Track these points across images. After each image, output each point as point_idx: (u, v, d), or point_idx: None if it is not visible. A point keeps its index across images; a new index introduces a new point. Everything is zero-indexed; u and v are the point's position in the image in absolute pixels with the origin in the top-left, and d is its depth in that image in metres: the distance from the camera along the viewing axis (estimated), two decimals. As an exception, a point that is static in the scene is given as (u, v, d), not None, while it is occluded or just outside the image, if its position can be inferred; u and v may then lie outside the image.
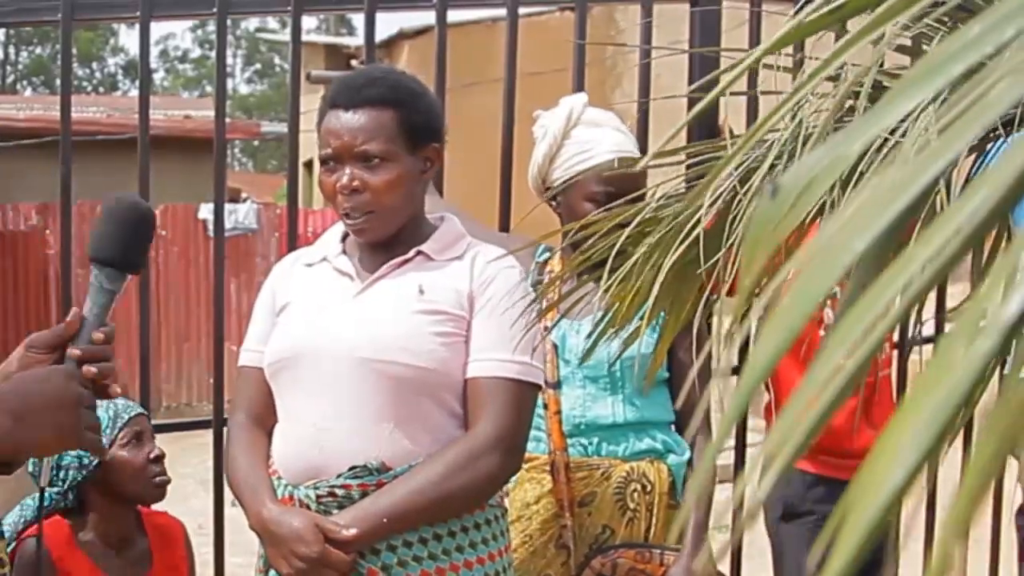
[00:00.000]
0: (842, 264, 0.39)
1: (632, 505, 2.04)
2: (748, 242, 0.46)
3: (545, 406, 2.04)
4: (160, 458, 2.00)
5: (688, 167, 1.33)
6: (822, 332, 2.37)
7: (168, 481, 2.03)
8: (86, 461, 1.94)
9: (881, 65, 0.96)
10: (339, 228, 1.84)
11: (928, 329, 2.82)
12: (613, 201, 2.02)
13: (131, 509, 2.03)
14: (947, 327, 2.88)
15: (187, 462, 5.71)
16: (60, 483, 1.95)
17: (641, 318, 1.34)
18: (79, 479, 1.94)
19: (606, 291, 1.24)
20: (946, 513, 0.34)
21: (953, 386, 0.34)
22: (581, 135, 2.08)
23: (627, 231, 1.22)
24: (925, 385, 0.35)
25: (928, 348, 2.80)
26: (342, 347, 1.68)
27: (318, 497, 1.66)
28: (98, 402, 1.80)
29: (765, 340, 0.40)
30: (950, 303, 2.76)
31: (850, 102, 0.91)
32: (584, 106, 2.13)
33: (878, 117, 0.43)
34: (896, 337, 2.64)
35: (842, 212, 0.40)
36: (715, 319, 1.95)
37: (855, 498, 0.34)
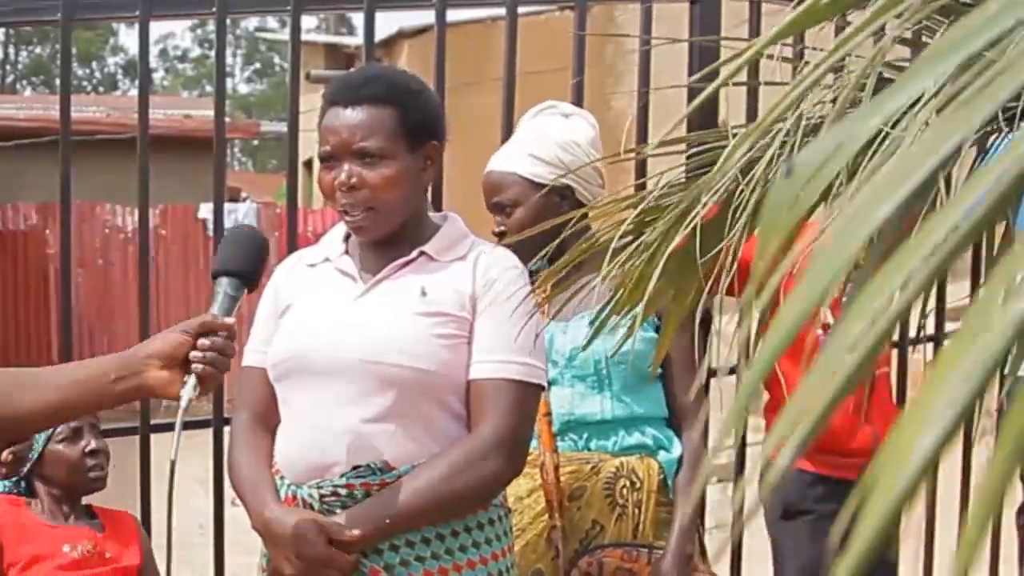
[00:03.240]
0: (846, 256, 0.38)
1: (621, 501, 2.04)
2: (763, 224, 0.45)
3: (534, 408, 2.05)
4: (96, 452, 2.12)
5: (689, 157, 1.33)
6: (820, 332, 2.37)
7: (105, 474, 2.14)
8: (30, 454, 2.09)
9: (883, 56, 0.96)
10: (342, 228, 1.83)
11: (928, 328, 2.82)
12: (498, 212, 2.11)
13: (77, 497, 2.14)
14: (947, 326, 2.88)
15: (187, 462, 5.69)
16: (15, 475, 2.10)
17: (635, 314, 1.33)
18: (23, 471, 2.09)
19: (605, 280, 1.24)
20: (972, 511, 0.34)
21: (984, 350, 0.33)
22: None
23: (627, 223, 1.21)
24: (953, 352, 0.34)
25: (928, 347, 2.80)
26: (344, 349, 1.68)
27: (321, 497, 1.66)
28: None
29: (773, 330, 0.40)
30: (949, 302, 2.75)
31: (852, 94, 0.90)
32: (529, 117, 2.17)
33: (888, 99, 0.42)
34: (895, 335, 2.64)
35: (858, 193, 0.40)
36: (714, 316, 1.96)
37: (874, 482, 0.34)
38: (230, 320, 1.51)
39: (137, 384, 1.45)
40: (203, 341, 1.46)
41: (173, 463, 1.48)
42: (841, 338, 0.39)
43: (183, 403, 1.46)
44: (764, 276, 0.46)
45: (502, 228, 2.09)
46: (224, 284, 1.55)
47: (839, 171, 0.43)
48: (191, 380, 1.46)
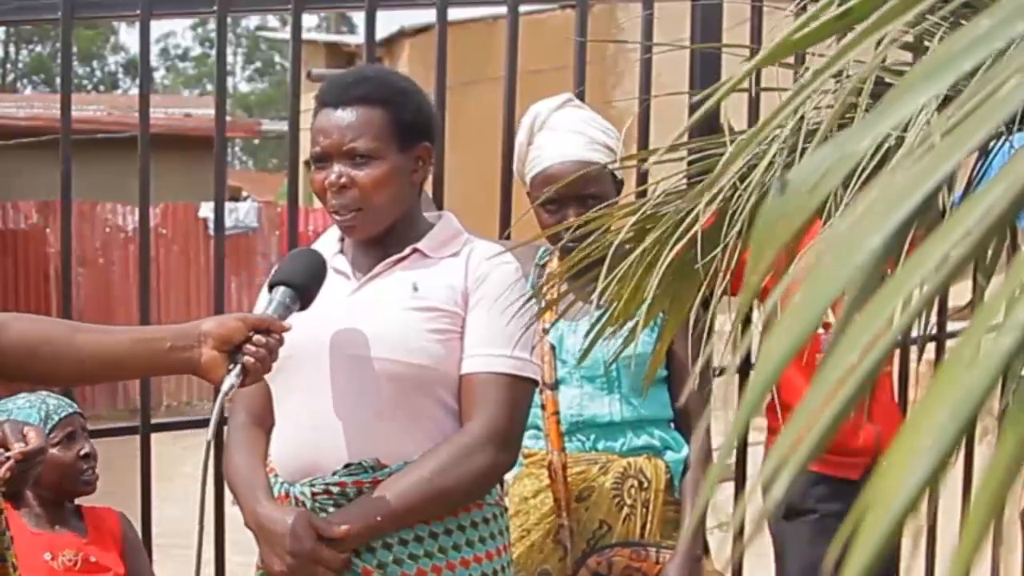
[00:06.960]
0: (852, 266, 0.38)
1: (629, 501, 2.04)
2: (755, 240, 0.45)
3: (543, 407, 2.05)
4: (89, 455, 2.09)
5: (689, 163, 1.32)
6: (821, 332, 2.36)
7: (96, 478, 2.11)
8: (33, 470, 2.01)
9: (883, 62, 0.96)
10: (338, 228, 1.84)
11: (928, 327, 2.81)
12: (563, 206, 2.03)
13: (65, 502, 2.11)
14: (949, 325, 2.88)
15: (187, 461, 5.69)
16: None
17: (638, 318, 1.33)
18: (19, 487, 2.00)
19: (603, 290, 1.24)
20: (969, 515, 0.34)
21: (971, 385, 0.33)
22: (540, 140, 2.11)
23: (624, 229, 1.21)
24: (942, 384, 0.34)
25: (930, 346, 2.80)
26: (337, 345, 1.68)
27: (313, 495, 1.66)
28: (30, 402, 2.06)
29: (774, 343, 0.39)
30: (951, 301, 2.75)
31: (852, 99, 0.90)
32: (552, 110, 2.13)
33: (885, 114, 0.42)
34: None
35: (851, 213, 0.40)
36: (715, 317, 1.95)
37: (873, 500, 0.34)
38: (287, 325, 1.57)
39: (188, 357, 1.49)
40: (259, 337, 1.51)
41: (209, 443, 1.48)
42: (849, 345, 0.38)
43: (224, 387, 1.49)
44: (755, 291, 0.46)
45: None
46: (281, 292, 1.61)
47: (832, 189, 0.42)
48: (236, 368, 1.49)
